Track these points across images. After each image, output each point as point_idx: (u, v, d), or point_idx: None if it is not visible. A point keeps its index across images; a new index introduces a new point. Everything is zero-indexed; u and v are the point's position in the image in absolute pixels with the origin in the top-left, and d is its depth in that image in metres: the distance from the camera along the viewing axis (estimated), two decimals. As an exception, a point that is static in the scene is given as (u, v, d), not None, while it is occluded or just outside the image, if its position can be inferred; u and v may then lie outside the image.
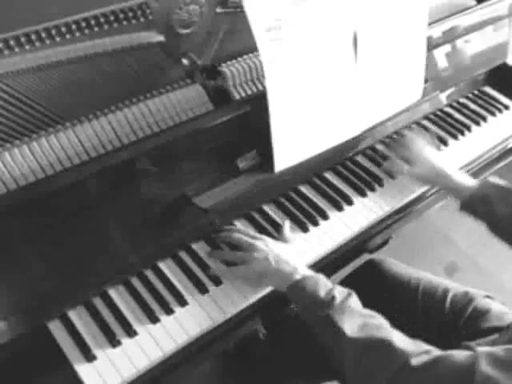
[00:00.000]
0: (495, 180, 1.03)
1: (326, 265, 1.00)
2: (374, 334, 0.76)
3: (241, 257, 0.92)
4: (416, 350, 0.71)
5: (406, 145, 1.18)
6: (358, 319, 0.78)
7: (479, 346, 0.69)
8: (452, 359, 0.68)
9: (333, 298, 0.81)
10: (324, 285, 0.84)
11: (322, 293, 0.82)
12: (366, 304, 1.07)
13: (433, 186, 1.15)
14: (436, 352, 0.71)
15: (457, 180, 1.06)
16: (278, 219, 1.04)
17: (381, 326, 0.77)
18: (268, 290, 0.93)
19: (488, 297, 1.07)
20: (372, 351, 0.74)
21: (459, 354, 0.68)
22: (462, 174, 1.10)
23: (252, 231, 0.98)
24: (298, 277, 0.86)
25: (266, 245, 0.92)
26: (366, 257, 1.20)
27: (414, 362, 0.69)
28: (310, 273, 0.88)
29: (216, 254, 0.96)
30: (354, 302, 0.82)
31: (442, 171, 1.09)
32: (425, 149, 1.15)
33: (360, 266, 1.21)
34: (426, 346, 0.73)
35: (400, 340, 0.74)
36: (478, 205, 1.01)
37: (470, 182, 1.06)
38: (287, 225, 1.00)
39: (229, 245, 0.96)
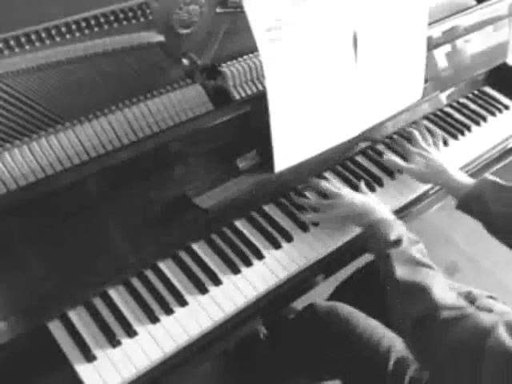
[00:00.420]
0: (492, 178, 1.02)
1: (327, 264, 1.00)
2: (418, 279, 0.81)
3: (330, 202, 1.02)
4: (452, 304, 0.76)
5: (403, 143, 1.19)
6: (411, 265, 0.84)
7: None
8: (477, 319, 0.73)
9: (399, 241, 0.88)
10: (397, 229, 0.91)
11: (392, 235, 0.89)
12: (367, 303, 1.07)
13: (432, 185, 1.15)
14: (469, 310, 0.75)
15: (455, 178, 1.07)
16: (277, 219, 1.04)
17: (428, 275, 0.82)
18: (268, 288, 0.93)
19: (491, 297, 1.06)
20: (410, 293, 0.81)
21: (485, 317, 0.73)
22: (461, 172, 1.10)
23: (336, 183, 1.09)
24: (378, 216, 0.95)
25: (350, 192, 1.03)
26: (366, 257, 1.20)
27: (444, 313, 0.75)
28: (388, 216, 0.96)
29: (306, 201, 1.06)
30: (418, 249, 0.88)
31: (441, 169, 1.09)
32: (424, 146, 1.16)
33: (364, 265, 1.21)
34: (463, 302, 0.77)
35: (441, 290, 0.79)
36: (473, 203, 1.01)
37: (468, 180, 1.06)
38: (363, 183, 1.11)
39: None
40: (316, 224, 1.04)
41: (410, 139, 1.22)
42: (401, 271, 0.84)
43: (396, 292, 0.84)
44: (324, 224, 1.04)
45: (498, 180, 1.01)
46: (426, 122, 1.34)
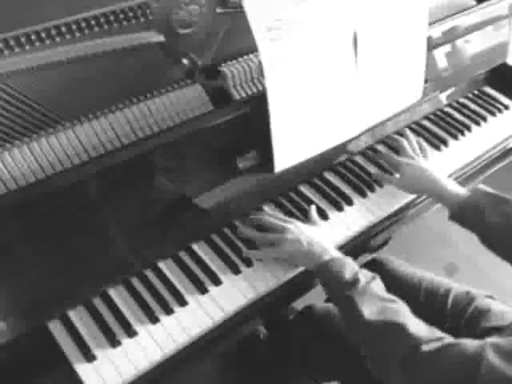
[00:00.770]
0: (485, 188, 1.00)
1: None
2: (390, 317, 0.78)
3: (272, 238, 0.95)
4: (429, 336, 0.74)
5: (389, 159, 1.15)
6: (377, 303, 0.81)
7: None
8: (461, 347, 0.70)
9: (356, 280, 0.84)
10: (350, 267, 0.87)
11: (347, 274, 0.85)
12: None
13: (422, 195, 1.13)
14: (448, 339, 0.73)
15: (447, 188, 1.03)
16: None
17: (398, 311, 0.79)
18: (267, 290, 0.93)
19: (489, 297, 1.07)
20: (385, 334, 0.77)
21: (468, 343, 0.70)
22: (452, 181, 1.07)
23: (281, 215, 1.01)
24: (327, 257, 0.90)
25: (297, 227, 0.95)
26: (366, 257, 1.20)
27: (425, 348, 0.72)
28: (338, 255, 0.91)
29: (247, 233, 0.98)
30: (377, 285, 0.85)
31: (432, 179, 1.05)
32: (412, 155, 1.13)
33: (363, 264, 1.21)
34: (439, 333, 0.75)
35: (414, 326, 0.76)
36: (468, 214, 0.98)
37: (460, 190, 1.02)
38: (313, 208, 1.04)
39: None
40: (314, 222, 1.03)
41: (394, 148, 1.20)
42: (369, 312, 0.79)
43: (369, 336, 0.80)
44: (324, 224, 1.03)
45: (491, 190, 0.99)
46: (425, 122, 1.34)
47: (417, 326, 0.76)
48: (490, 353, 0.67)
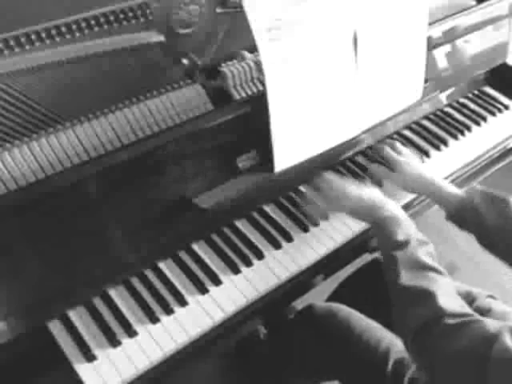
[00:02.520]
0: (482, 188, 0.99)
1: (327, 264, 1.00)
2: (423, 284, 0.79)
3: (335, 193, 0.99)
4: (456, 311, 0.74)
5: (388, 156, 1.14)
6: (417, 270, 0.81)
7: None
8: (482, 326, 0.71)
9: (407, 242, 0.85)
10: (406, 228, 0.88)
11: (400, 235, 0.86)
12: (367, 304, 1.07)
13: (420, 195, 1.13)
14: (474, 317, 0.73)
15: (444, 189, 1.03)
16: (278, 219, 1.04)
17: (433, 280, 0.80)
18: (267, 290, 0.93)
19: (490, 296, 1.06)
20: (414, 299, 0.78)
21: (490, 323, 0.71)
22: (447, 182, 1.07)
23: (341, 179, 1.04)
24: (386, 213, 0.91)
25: (357, 185, 0.99)
26: (366, 258, 1.20)
27: (448, 320, 0.73)
28: (398, 212, 0.92)
29: (312, 198, 1.05)
30: (426, 252, 0.85)
31: (428, 179, 1.06)
32: (410, 159, 1.12)
33: (364, 264, 1.21)
34: (468, 311, 0.75)
35: (445, 297, 0.76)
36: (465, 214, 0.98)
37: (455, 190, 1.02)
38: (368, 182, 1.09)
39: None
40: (316, 224, 1.04)
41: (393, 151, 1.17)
42: (406, 277, 0.81)
43: (399, 298, 0.81)
44: (324, 224, 1.04)
45: (487, 190, 0.98)
46: (425, 122, 1.34)
47: (448, 299, 0.77)
48: (507, 335, 0.68)
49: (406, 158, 1.12)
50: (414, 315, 0.76)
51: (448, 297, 0.77)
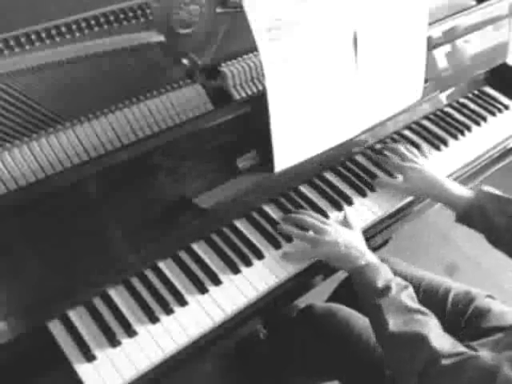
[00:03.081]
0: (490, 189, 1.01)
1: (327, 264, 1.00)
2: (414, 328, 0.79)
3: (312, 238, 0.95)
4: (451, 351, 0.75)
5: (393, 164, 1.14)
6: (404, 314, 0.82)
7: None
8: (480, 362, 0.72)
9: (388, 288, 0.84)
10: (384, 274, 0.87)
11: (380, 282, 0.86)
12: (368, 302, 1.07)
13: (427, 198, 1.13)
14: (468, 354, 0.74)
15: (452, 192, 1.03)
16: (277, 219, 1.04)
17: (423, 323, 0.80)
18: (267, 290, 0.93)
19: (489, 296, 1.06)
20: (407, 344, 0.78)
21: (486, 357, 0.72)
22: (455, 183, 1.07)
23: (321, 217, 1.01)
24: (362, 262, 0.90)
25: (336, 230, 0.95)
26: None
27: (445, 361, 0.73)
28: (375, 261, 0.91)
29: (287, 230, 0.99)
30: (407, 295, 0.85)
31: (436, 182, 1.06)
32: (414, 159, 1.13)
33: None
34: (462, 348, 0.76)
35: (437, 339, 0.77)
36: (474, 216, 0.99)
37: (464, 192, 1.03)
38: (348, 211, 1.05)
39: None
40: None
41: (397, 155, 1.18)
42: (394, 323, 0.80)
43: (392, 346, 0.81)
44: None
45: (496, 191, 1.00)
46: (425, 122, 1.34)
47: (440, 339, 0.77)
48: (507, 366, 0.69)
49: (411, 162, 1.12)
50: (412, 363, 0.76)
51: (440, 338, 0.77)
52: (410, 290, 0.86)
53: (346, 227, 0.99)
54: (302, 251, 0.97)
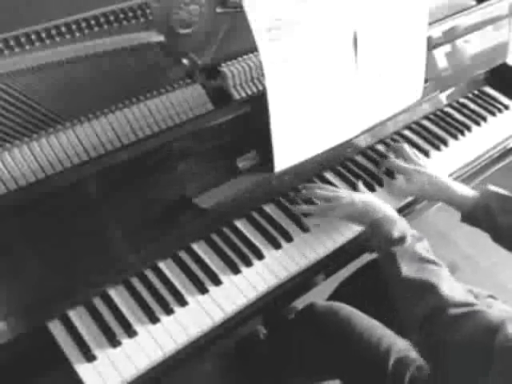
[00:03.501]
0: (495, 189, 1.01)
1: (327, 264, 1.00)
2: (426, 277, 0.81)
3: (329, 206, 1.00)
4: (460, 300, 0.76)
5: (398, 168, 1.14)
6: (417, 262, 0.84)
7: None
8: (485, 316, 0.73)
9: (403, 239, 0.87)
10: (400, 225, 0.91)
11: (396, 232, 0.89)
12: (367, 303, 1.07)
13: (433, 200, 1.13)
14: (478, 307, 0.75)
15: (458, 193, 1.04)
16: (278, 219, 1.04)
17: (435, 272, 0.82)
18: (267, 290, 0.93)
19: (491, 296, 1.06)
20: (418, 291, 0.80)
21: (493, 314, 0.73)
22: (460, 184, 1.08)
23: (330, 186, 1.06)
24: (380, 215, 0.94)
25: (349, 193, 1.01)
26: (366, 257, 1.20)
27: (452, 310, 0.75)
28: (392, 213, 0.95)
29: (302, 209, 1.03)
30: (422, 246, 0.87)
31: (443, 184, 1.06)
32: (418, 162, 1.13)
33: (364, 265, 1.21)
34: (472, 300, 0.77)
35: (448, 288, 0.79)
36: (480, 215, 1.00)
37: (469, 192, 1.04)
38: (361, 183, 1.11)
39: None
40: (316, 224, 1.04)
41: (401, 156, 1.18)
42: (407, 269, 0.83)
43: (403, 291, 0.83)
44: (324, 224, 1.04)
45: (501, 191, 1.01)
46: (425, 122, 1.34)
47: (450, 289, 0.79)
48: (510, 325, 0.69)
49: (415, 164, 1.12)
50: (420, 306, 0.78)
51: (450, 287, 0.79)
52: (425, 242, 0.89)
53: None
54: (322, 210, 1.01)
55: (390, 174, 1.16)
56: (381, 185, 1.14)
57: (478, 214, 1.00)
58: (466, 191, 1.04)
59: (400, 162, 1.14)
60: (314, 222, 1.03)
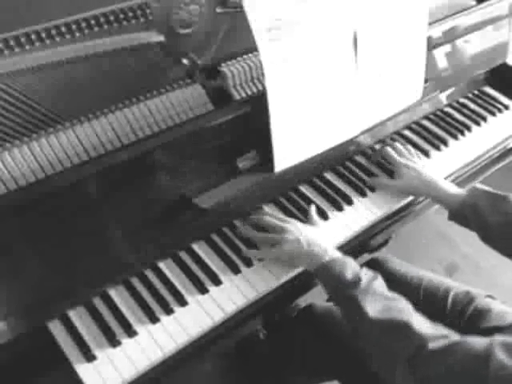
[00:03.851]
0: (483, 187, 1.01)
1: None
2: (394, 316, 0.78)
3: (272, 238, 0.94)
4: (435, 334, 0.74)
5: (389, 158, 1.14)
6: (381, 301, 0.81)
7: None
8: (468, 344, 0.70)
9: (358, 279, 0.83)
10: (351, 266, 0.86)
11: (349, 274, 0.84)
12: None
13: (421, 196, 1.13)
14: (454, 337, 0.73)
15: (446, 190, 1.04)
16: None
17: (402, 310, 0.79)
18: (267, 290, 0.93)
19: (489, 296, 1.07)
20: (391, 333, 0.77)
21: (475, 341, 0.71)
22: (449, 183, 1.08)
23: (281, 215, 1.00)
24: (327, 258, 0.89)
25: (297, 228, 0.94)
26: (366, 257, 1.20)
27: (432, 345, 0.72)
28: (339, 255, 0.90)
29: (247, 233, 0.98)
30: (379, 284, 0.84)
31: (431, 181, 1.06)
32: (410, 161, 1.13)
33: (363, 264, 1.21)
34: (445, 331, 0.75)
35: (419, 324, 0.76)
36: (467, 214, 0.99)
37: (458, 191, 1.04)
38: (313, 209, 1.03)
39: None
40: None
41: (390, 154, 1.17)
42: (373, 311, 0.79)
43: (375, 334, 0.79)
44: (324, 225, 1.04)
45: (489, 189, 1.00)
46: (425, 122, 1.34)
47: (421, 324, 0.76)
48: (499, 351, 0.67)
49: (407, 159, 1.12)
50: (401, 348, 0.75)
51: (420, 322, 0.76)
52: (380, 278, 0.86)
53: (309, 223, 0.99)
54: (264, 251, 0.95)
55: (387, 170, 1.16)
56: (372, 190, 1.13)
57: (465, 213, 0.99)
58: (454, 189, 1.04)
59: (391, 152, 1.14)
60: (257, 256, 0.96)
